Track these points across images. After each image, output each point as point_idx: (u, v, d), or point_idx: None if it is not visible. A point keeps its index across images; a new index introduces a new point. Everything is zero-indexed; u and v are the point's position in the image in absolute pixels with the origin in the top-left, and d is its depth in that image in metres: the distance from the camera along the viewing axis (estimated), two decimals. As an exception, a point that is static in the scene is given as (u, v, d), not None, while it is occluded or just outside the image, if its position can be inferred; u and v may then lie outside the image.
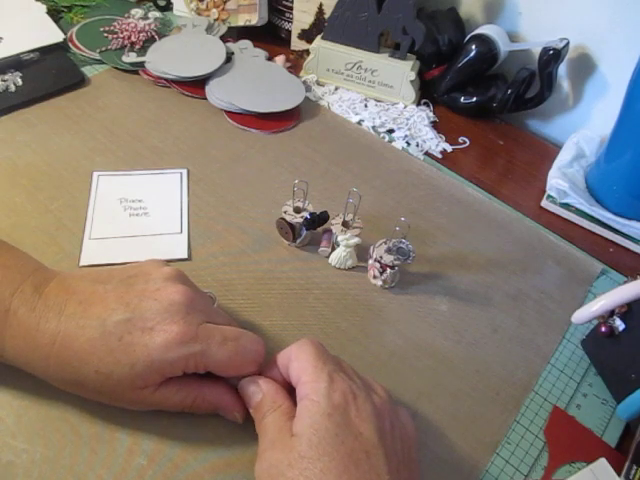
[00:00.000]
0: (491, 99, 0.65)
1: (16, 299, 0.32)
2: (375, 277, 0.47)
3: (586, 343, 0.45)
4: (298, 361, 0.33)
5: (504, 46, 0.63)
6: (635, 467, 0.37)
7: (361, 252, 0.48)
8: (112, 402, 0.34)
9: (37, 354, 0.32)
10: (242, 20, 0.70)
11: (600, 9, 0.59)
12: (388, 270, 0.45)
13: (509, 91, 0.63)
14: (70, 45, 0.65)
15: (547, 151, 0.64)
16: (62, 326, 0.32)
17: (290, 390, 0.34)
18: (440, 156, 0.62)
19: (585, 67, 0.63)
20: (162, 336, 0.32)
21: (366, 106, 0.66)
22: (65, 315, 0.32)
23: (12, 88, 0.58)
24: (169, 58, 0.63)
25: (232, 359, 0.34)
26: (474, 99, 0.66)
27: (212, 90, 0.61)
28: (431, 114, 0.66)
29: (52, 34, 0.64)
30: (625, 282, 0.40)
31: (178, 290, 0.34)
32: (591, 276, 0.51)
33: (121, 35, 0.66)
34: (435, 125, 0.66)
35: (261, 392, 0.34)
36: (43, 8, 0.68)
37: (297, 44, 0.72)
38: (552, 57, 0.59)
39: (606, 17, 0.59)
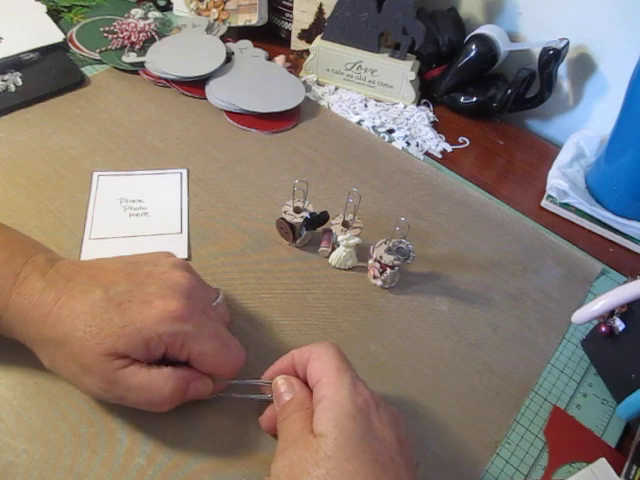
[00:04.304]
0: (491, 99, 0.65)
1: (29, 265, 0.34)
2: (375, 277, 0.47)
3: (586, 343, 0.45)
4: (320, 361, 0.33)
5: (504, 46, 0.63)
6: (635, 467, 0.37)
7: (361, 252, 0.48)
8: (81, 373, 0.33)
9: (38, 312, 0.33)
10: (242, 20, 0.70)
11: (600, 9, 0.59)
12: (388, 270, 0.45)
13: (509, 91, 0.63)
14: (70, 45, 0.65)
15: (547, 151, 0.64)
16: (68, 289, 0.33)
17: None
18: (440, 156, 0.62)
19: (585, 67, 0.63)
20: (159, 309, 0.32)
21: (366, 106, 0.66)
22: (73, 282, 0.34)
23: (12, 88, 0.58)
24: (169, 58, 0.63)
25: (216, 354, 0.34)
26: (474, 99, 0.66)
27: (212, 90, 0.61)
28: (431, 114, 0.66)
29: (52, 34, 0.64)
30: (625, 282, 0.40)
31: (184, 275, 0.35)
32: (591, 276, 0.51)
33: (121, 35, 0.66)
34: (435, 125, 0.65)
35: (293, 392, 0.34)
36: (43, 8, 0.68)
37: (297, 44, 0.72)
38: (552, 57, 0.59)
39: (606, 17, 0.59)
